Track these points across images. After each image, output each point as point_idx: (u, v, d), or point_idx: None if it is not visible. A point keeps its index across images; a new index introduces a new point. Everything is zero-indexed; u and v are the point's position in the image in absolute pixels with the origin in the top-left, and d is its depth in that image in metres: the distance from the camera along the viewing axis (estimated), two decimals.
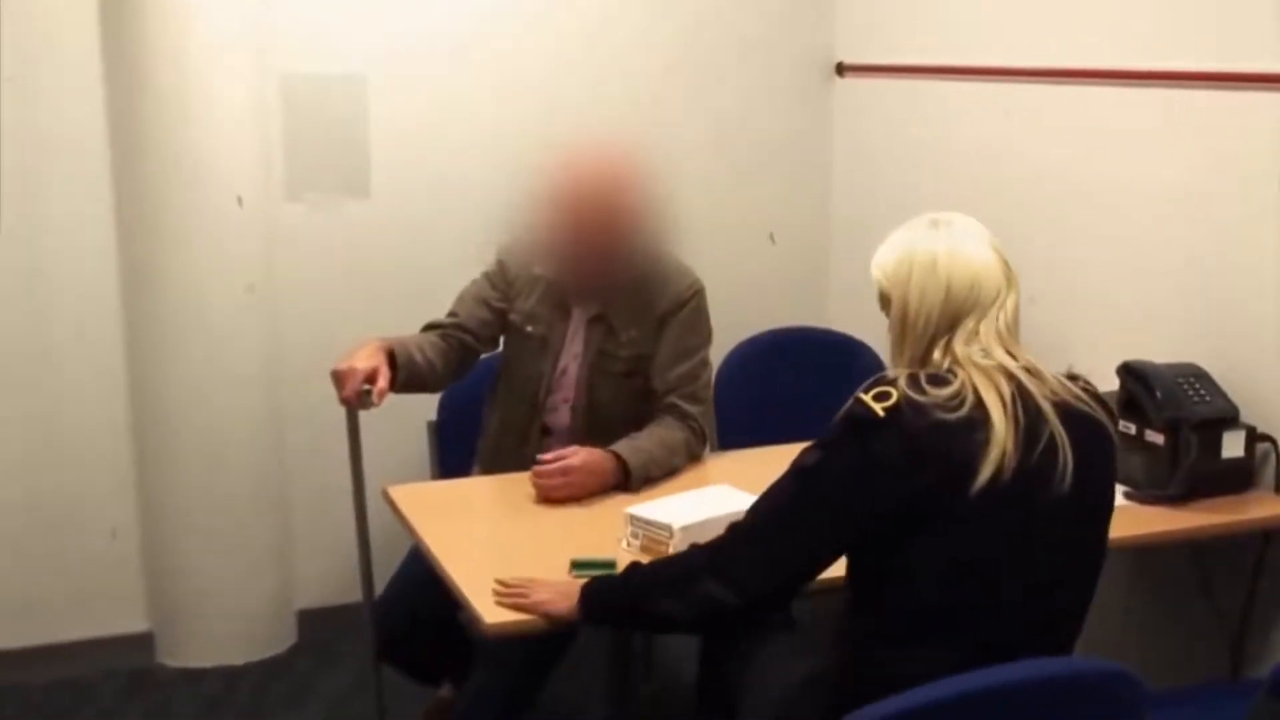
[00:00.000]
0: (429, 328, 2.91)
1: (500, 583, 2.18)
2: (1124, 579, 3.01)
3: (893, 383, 1.92)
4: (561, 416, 2.90)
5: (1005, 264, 2.01)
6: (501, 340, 2.98)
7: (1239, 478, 2.65)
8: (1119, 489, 2.59)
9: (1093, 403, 2.01)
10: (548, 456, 2.62)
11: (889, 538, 1.91)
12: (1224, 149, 2.76)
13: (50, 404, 3.49)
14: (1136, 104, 2.97)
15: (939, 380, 1.92)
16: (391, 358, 2.71)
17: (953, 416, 1.88)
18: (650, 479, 2.68)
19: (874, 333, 2.14)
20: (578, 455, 2.62)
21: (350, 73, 3.60)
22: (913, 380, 1.92)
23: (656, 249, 2.82)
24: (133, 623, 3.63)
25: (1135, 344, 2.86)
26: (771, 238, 4.08)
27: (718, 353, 3.14)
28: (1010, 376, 1.94)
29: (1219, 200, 2.78)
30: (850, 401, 1.94)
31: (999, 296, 1.98)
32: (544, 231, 2.80)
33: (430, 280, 3.15)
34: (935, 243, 2.00)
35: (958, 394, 1.90)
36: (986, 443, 1.87)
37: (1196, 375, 2.68)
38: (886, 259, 2.04)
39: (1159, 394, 2.63)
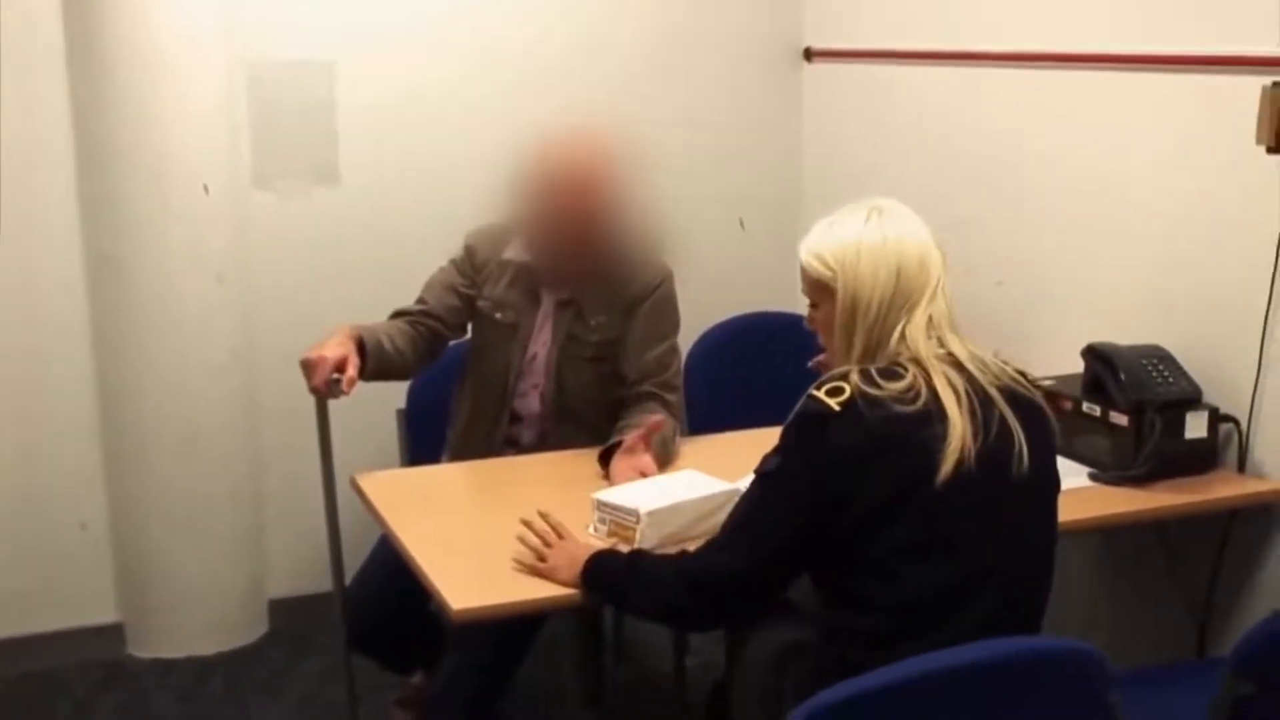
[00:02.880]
0: (397, 315, 2.90)
1: (526, 524, 2.22)
2: (1090, 559, 3.03)
3: (844, 377, 1.94)
4: (531, 403, 2.90)
5: (941, 253, 2.04)
6: (470, 327, 2.98)
7: (1203, 458, 2.67)
8: (1084, 470, 2.64)
9: (1029, 385, 2.05)
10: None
11: (856, 532, 1.92)
12: (1189, 133, 2.78)
13: (19, 396, 3.47)
14: (1103, 88, 2.99)
15: (890, 374, 1.95)
16: (360, 346, 2.71)
17: (909, 409, 1.91)
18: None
19: None
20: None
21: (317, 59, 3.58)
22: (865, 375, 1.94)
23: (629, 231, 2.82)
24: (103, 614, 3.62)
25: (1099, 326, 2.88)
26: (741, 223, 4.09)
27: (687, 337, 3.14)
28: (959, 366, 1.97)
29: (1183, 184, 2.80)
30: (803, 400, 1.96)
31: (940, 283, 2.01)
32: (517, 217, 2.80)
33: (401, 267, 3.14)
34: (882, 227, 2.01)
35: (911, 387, 1.93)
36: (945, 436, 1.90)
37: (1160, 357, 2.70)
38: (824, 246, 2.04)
39: (1123, 376, 2.65)
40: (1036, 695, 1.82)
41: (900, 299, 1.98)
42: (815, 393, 1.94)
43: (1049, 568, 2.06)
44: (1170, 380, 2.65)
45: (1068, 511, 2.16)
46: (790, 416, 1.98)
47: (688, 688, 3.31)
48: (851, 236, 2.02)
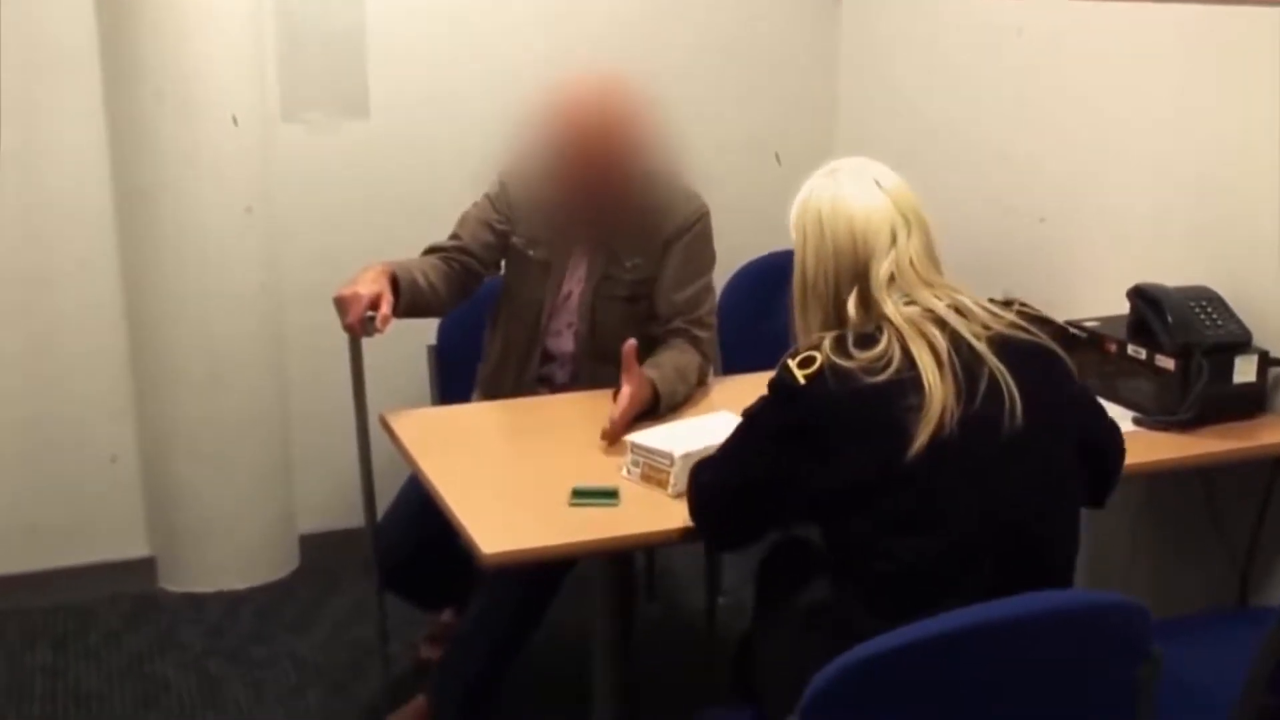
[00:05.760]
0: (431, 251, 2.86)
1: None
2: (1133, 506, 2.98)
3: (818, 347, 1.89)
4: (564, 341, 2.86)
5: (900, 203, 1.97)
6: (503, 264, 2.93)
7: (1250, 403, 2.61)
8: (1128, 414, 2.58)
9: (1031, 326, 1.96)
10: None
11: (835, 509, 1.90)
12: (1240, 69, 2.70)
13: (49, 329, 3.46)
14: (1150, 23, 2.90)
15: (866, 341, 1.89)
16: (394, 283, 2.67)
17: (879, 379, 1.84)
18: (673, 406, 2.64)
19: None
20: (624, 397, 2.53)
21: None
22: (839, 344, 1.89)
23: (659, 176, 2.76)
24: (134, 548, 3.63)
25: (1147, 266, 2.81)
26: (777, 158, 4.02)
27: (722, 274, 3.09)
28: (940, 322, 1.90)
29: (1233, 122, 2.72)
30: (779, 366, 1.94)
31: (895, 239, 1.95)
32: (544, 160, 2.73)
33: (431, 201, 3.10)
34: (823, 196, 1.99)
35: (883, 354, 1.86)
36: (920, 407, 1.83)
37: (1209, 299, 2.64)
38: (794, 215, 2.04)
39: (1170, 318, 2.59)
40: (1078, 647, 1.78)
41: (846, 271, 1.95)
42: (789, 362, 1.92)
43: (1065, 519, 1.98)
44: (1219, 323, 2.59)
45: None
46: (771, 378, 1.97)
47: (719, 626, 3.30)
48: (802, 208, 2.02)
